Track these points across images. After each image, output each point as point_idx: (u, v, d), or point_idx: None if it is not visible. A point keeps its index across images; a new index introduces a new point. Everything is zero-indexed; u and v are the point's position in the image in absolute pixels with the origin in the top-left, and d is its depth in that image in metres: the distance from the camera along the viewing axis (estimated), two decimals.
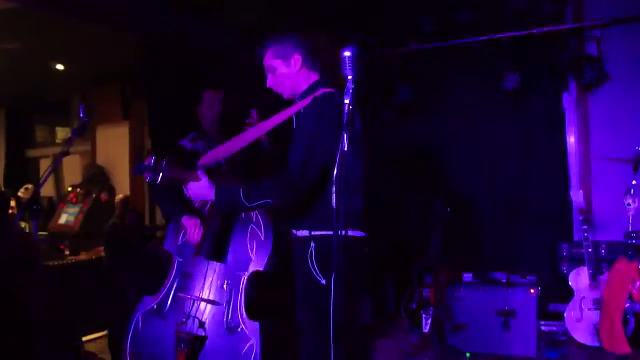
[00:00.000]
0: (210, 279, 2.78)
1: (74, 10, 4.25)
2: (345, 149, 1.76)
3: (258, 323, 2.62)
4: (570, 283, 4.16)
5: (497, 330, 4.07)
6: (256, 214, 2.81)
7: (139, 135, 6.32)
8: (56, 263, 5.23)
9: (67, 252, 5.49)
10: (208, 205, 2.93)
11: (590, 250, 4.00)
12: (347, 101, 1.83)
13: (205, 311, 2.74)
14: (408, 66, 5.23)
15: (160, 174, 2.29)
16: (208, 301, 2.74)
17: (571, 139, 5.01)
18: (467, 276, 4.36)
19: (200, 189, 2.32)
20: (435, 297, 4.43)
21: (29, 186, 6.12)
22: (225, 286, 2.74)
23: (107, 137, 6.48)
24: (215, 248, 2.80)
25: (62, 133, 8.37)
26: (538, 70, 4.90)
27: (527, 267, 4.53)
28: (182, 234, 2.97)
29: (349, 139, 2.14)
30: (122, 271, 4.32)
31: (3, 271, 3.38)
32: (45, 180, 2.73)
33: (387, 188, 5.05)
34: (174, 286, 2.87)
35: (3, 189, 4.88)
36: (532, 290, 4.04)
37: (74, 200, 6.24)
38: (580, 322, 4.01)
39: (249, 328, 2.61)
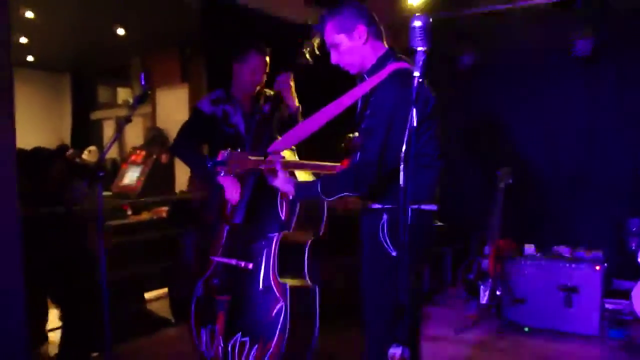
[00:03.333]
0: (244, 242, 2.77)
1: None
2: (415, 125, 1.67)
3: (287, 285, 2.60)
4: (639, 261, 3.97)
5: (558, 306, 3.96)
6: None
7: (198, 98, 6.36)
8: (119, 222, 5.43)
9: (129, 212, 5.69)
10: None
11: None
12: (417, 74, 1.73)
13: (240, 273, 2.74)
14: (473, 30, 5.01)
15: (235, 168, 2.29)
16: (243, 264, 2.74)
17: None
18: (529, 249, 4.24)
19: (280, 183, 2.28)
20: (493, 269, 4.34)
21: (92, 148, 6.34)
22: (258, 248, 2.72)
23: (167, 100, 6.57)
24: (250, 212, 2.78)
25: (123, 94, 8.59)
26: (612, 33, 4.59)
27: (592, 242, 4.36)
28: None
29: (427, 115, 2.08)
30: (184, 233, 4.41)
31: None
32: (110, 147, 2.78)
33: (448, 157, 4.91)
34: (220, 251, 2.89)
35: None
36: (597, 267, 3.89)
37: (136, 161, 6.42)
38: None
39: (279, 290, 2.61)
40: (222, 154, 2.32)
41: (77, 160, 5.57)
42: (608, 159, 4.76)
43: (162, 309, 4.51)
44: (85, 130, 7.87)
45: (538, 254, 4.20)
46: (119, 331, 3.57)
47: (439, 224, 2.27)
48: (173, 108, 6.57)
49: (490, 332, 4.09)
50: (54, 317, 3.83)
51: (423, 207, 2.12)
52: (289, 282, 2.64)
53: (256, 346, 2.64)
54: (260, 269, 2.70)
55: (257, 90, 3.19)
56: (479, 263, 4.51)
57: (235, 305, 2.74)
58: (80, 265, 3.46)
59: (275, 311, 2.61)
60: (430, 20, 1.72)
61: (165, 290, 4.95)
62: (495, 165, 4.53)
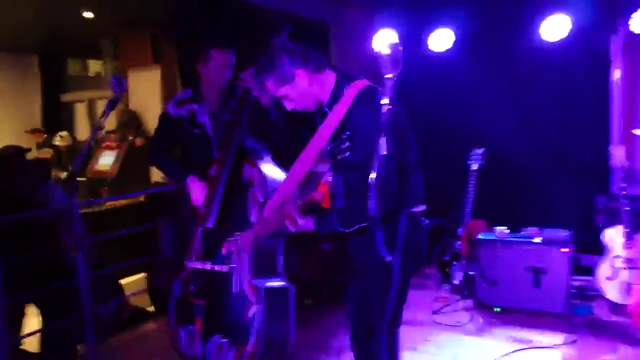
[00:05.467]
0: (217, 246, 2.79)
1: None
2: (385, 152, 1.70)
3: (262, 288, 2.65)
4: (604, 239, 4.12)
5: (527, 287, 4.11)
6: (258, 175, 2.76)
7: (171, 79, 6.29)
8: (96, 209, 5.41)
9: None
10: (213, 169, 2.90)
11: (627, 209, 3.91)
12: (386, 101, 1.75)
13: (216, 277, 2.80)
14: (447, 9, 5.00)
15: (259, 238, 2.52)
16: (217, 268, 2.79)
17: (616, 85, 4.78)
18: (500, 231, 4.35)
19: (301, 228, 2.23)
20: (466, 250, 4.47)
21: (64, 134, 6.23)
22: (230, 253, 2.73)
23: (139, 82, 6.47)
24: (222, 216, 2.81)
25: (94, 66, 8.38)
26: (584, 13, 4.62)
27: (562, 219, 4.48)
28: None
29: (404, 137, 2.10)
30: (162, 225, 4.42)
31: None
32: (83, 156, 2.78)
33: (421, 137, 4.95)
34: (194, 256, 2.91)
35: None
36: (565, 249, 4.03)
37: (110, 145, 6.36)
38: (611, 280, 4.00)
39: (253, 293, 2.66)
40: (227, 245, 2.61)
41: (49, 152, 5.46)
42: (578, 138, 4.86)
43: (143, 300, 4.55)
44: (56, 113, 7.70)
45: (508, 236, 4.32)
46: (101, 327, 3.61)
47: (426, 222, 2.32)
48: (145, 90, 6.48)
49: (463, 313, 4.24)
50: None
51: (414, 209, 2.18)
52: (264, 284, 2.70)
53: (235, 347, 2.72)
54: (234, 272, 2.75)
55: (227, 86, 3.15)
56: (452, 244, 4.63)
57: (212, 308, 2.80)
58: (57, 266, 3.46)
59: (250, 314, 2.68)
60: (400, 48, 1.74)
61: (143, 275, 4.97)
62: (469, 145, 4.60)
